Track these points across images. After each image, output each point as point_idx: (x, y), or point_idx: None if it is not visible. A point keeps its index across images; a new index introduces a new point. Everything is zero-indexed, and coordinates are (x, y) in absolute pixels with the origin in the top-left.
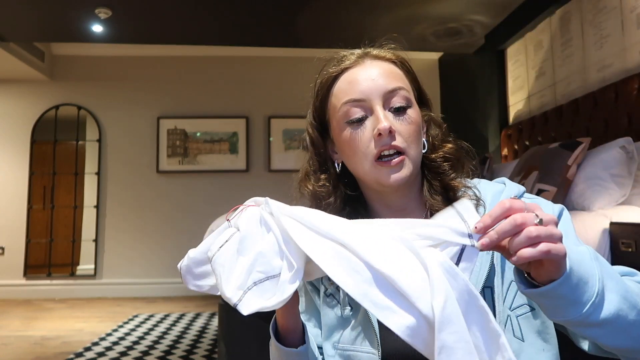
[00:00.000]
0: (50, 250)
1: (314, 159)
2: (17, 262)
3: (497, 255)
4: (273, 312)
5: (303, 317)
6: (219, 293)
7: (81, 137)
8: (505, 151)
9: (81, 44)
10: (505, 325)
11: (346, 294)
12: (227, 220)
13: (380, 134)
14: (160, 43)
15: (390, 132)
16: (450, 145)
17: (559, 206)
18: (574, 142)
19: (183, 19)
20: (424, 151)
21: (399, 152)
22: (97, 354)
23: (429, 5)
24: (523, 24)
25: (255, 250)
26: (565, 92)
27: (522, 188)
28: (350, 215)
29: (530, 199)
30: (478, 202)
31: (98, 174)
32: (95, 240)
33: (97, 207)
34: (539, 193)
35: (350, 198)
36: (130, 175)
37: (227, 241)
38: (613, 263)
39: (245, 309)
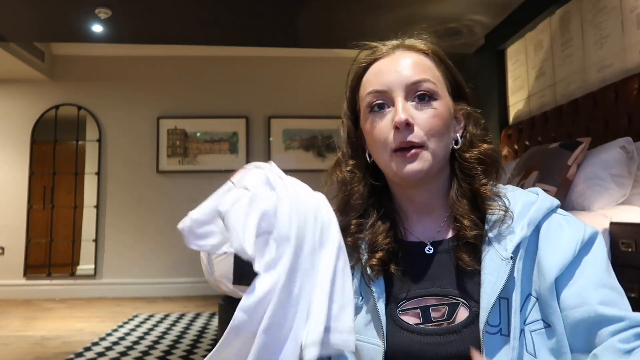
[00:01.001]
0: (50, 250)
1: (346, 147)
2: (17, 262)
3: (518, 266)
4: None
5: None
6: (220, 251)
7: (81, 137)
8: (505, 151)
9: (81, 44)
10: (518, 340)
11: (358, 283)
12: (231, 181)
13: (397, 127)
14: (160, 43)
15: (409, 125)
16: (486, 146)
17: (591, 230)
18: (574, 142)
19: (183, 19)
20: (456, 147)
21: (417, 145)
22: (97, 354)
23: (429, 5)
24: (523, 24)
25: (261, 209)
26: (565, 92)
27: (555, 202)
28: (375, 206)
29: (564, 215)
30: (506, 213)
31: (98, 174)
32: (95, 240)
33: (97, 207)
34: None
35: (376, 188)
36: (130, 175)
37: (239, 200)
38: (613, 263)
39: (257, 265)
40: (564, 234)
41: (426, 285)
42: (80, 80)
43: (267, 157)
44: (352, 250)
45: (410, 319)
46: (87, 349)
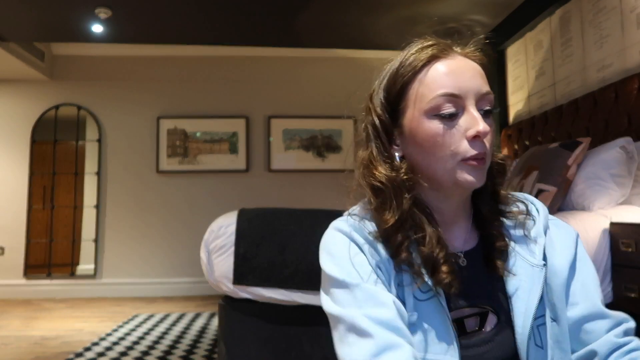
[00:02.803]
0: (50, 250)
1: (381, 143)
2: (17, 262)
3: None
4: (272, 311)
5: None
6: None
7: (81, 137)
8: (505, 151)
9: (81, 44)
10: (528, 336)
11: (412, 300)
12: None
13: (477, 136)
14: (160, 43)
15: (486, 136)
16: (501, 156)
17: (574, 230)
18: (574, 142)
19: (183, 19)
20: None
21: (483, 157)
22: (97, 354)
23: (429, 5)
24: (523, 24)
25: None
26: (565, 92)
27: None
28: (418, 205)
29: (552, 219)
30: (526, 217)
31: (98, 174)
32: (95, 240)
33: (97, 207)
34: (539, 193)
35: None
36: (130, 175)
37: None
38: (613, 263)
39: None
40: (560, 234)
41: (460, 297)
42: (80, 80)
43: (267, 157)
44: (406, 266)
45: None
46: (87, 349)
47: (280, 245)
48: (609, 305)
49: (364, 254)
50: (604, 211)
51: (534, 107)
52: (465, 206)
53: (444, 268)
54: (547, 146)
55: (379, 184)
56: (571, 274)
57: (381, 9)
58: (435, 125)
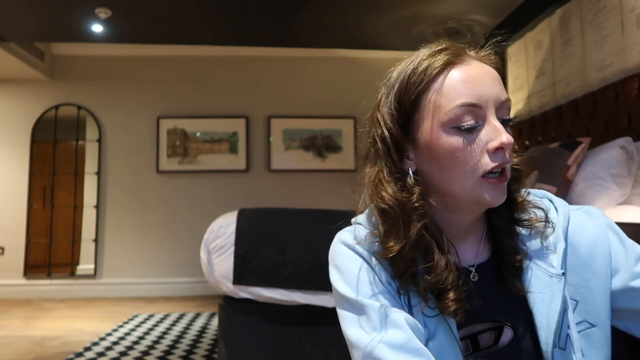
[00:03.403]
0: (50, 250)
1: (393, 159)
2: (17, 262)
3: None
4: (272, 311)
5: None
6: None
7: (81, 137)
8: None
9: (81, 44)
10: (565, 345)
11: (422, 317)
12: None
13: (501, 148)
14: (160, 43)
15: (509, 147)
16: (516, 161)
17: (599, 212)
18: (574, 142)
19: (183, 19)
20: None
21: (504, 171)
22: (97, 354)
23: (429, 5)
24: (523, 24)
25: None
26: (565, 92)
27: (566, 202)
28: (427, 228)
29: (576, 210)
30: (545, 224)
31: (98, 174)
32: (95, 240)
33: (97, 207)
34: None
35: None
36: (130, 175)
37: None
38: None
39: None
40: (589, 227)
41: (473, 313)
42: (80, 80)
43: (267, 157)
44: (412, 287)
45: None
46: (87, 349)
47: (280, 245)
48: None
49: (373, 270)
50: (604, 211)
51: (534, 107)
52: (479, 219)
53: (451, 295)
54: (547, 146)
55: (387, 208)
56: (608, 270)
57: (381, 9)
58: (455, 140)
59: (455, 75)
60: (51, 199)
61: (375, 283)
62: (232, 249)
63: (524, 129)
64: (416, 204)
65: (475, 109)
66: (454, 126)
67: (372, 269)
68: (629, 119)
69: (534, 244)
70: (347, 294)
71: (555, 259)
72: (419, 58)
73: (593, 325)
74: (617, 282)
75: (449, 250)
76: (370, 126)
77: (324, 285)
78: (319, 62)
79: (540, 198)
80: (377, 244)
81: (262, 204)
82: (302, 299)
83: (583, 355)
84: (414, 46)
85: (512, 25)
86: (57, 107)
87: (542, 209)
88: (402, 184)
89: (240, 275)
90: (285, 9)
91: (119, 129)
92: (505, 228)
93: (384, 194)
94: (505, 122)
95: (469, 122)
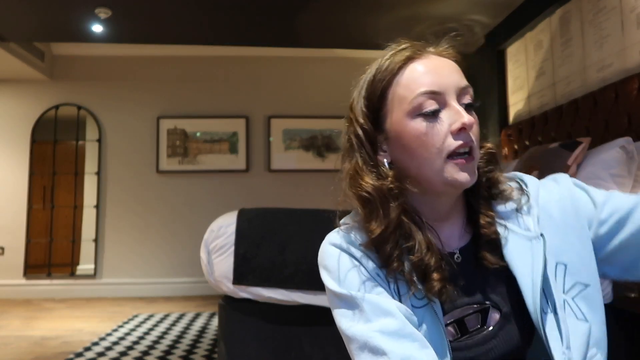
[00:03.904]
0: (50, 250)
1: (366, 152)
2: (17, 262)
3: (547, 246)
4: (272, 311)
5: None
6: None
7: (81, 137)
8: (505, 151)
9: (81, 44)
10: (565, 311)
11: (411, 309)
12: None
13: (463, 128)
14: (160, 43)
15: (471, 128)
16: (489, 145)
17: (555, 176)
18: (574, 142)
19: (183, 19)
20: None
21: (470, 151)
22: (97, 354)
23: (429, 5)
24: (523, 24)
25: None
26: (565, 92)
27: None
28: (406, 212)
29: (543, 186)
30: (521, 192)
31: (98, 174)
32: (95, 240)
33: (97, 207)
34: None
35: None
36: (130, 175)
37: None
38: None
39: None
40: (557, 191)
41: (457, 297)
42: (80, 80)
43: (267, 157)
44: (400, 275)
45: (448, 336)
46: (87, 349)
47: (280, 245)
48: (609, 306)
49: (360, 265)
50: None
51: (534, 107)
52: (458, 202)
53: (435, 275)
54: (547, 146)
55: (365, 194)
56: (584, 225)
57: (381, 9)
58: (419, 124)
59: (415, 68)
60: (51, 199)
61: (363, 275)
62: (232, 249)
63: (524, 129)
64: (390, 186)
65: (435, 96)
66: (418, 113)
67: (359, 261)
68: (629, 119)
69: (510, 215)
70: (336, 290)
71: (531, 223)
72: (383, 58)
73: (586, 285)
74: (591, 234)
75: (430, 232)
76: (346, 126)
77: (324, 285)
78: (319, 62)
79: (510, 178)
80: (361, 234)
81: (262, 204)
82: (302, 299)
83: (586, 319)
84: None
85: (512, 25)
86: (57, 107)
87: (515, 180)
88: (377, 173)
89: (240, 275)
90: (285, 9)
91: (119, 129)
92: (483, 208)
93: (361, 181)
94: (468, 107)
95: (430, 107)
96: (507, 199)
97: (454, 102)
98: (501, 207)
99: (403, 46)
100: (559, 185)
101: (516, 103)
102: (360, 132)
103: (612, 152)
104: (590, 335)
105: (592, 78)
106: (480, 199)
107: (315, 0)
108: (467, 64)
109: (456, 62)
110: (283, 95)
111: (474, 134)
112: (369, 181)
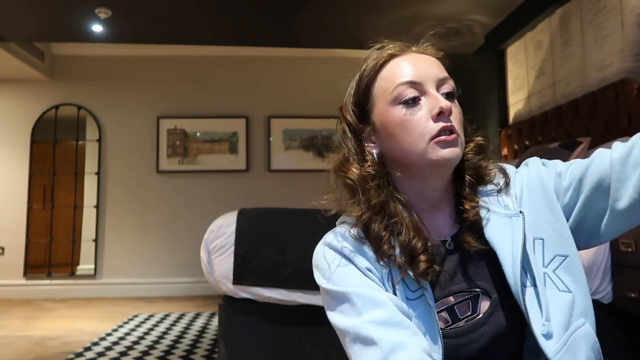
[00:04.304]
0: (50, 250)
1: (352, 144)
2: (17, 262)
3: (526, 223)
4: (272, 311)
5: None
6: None
7: (81, 137)
8: (505, 151)
9: (81, 44)
10: (545, 284)
11: (401, 292)
12: None
13: (441, 112)
14: (160, 43)
15: (450, 112)
16: (479, 139)
17: (524, 162)
18: (574, 142)
19: (183, 19)
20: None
21: (453, 132)
22: (97, 354)
23: (429, 5)
24: (523, 24)
25: None
26: (565, 92)
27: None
28: (392, 197)
29: (518, 171)
30: (505, 176)
31: (98, 174)
32: (95, 240)
33: (97, 207)
34: None
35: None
36: (130, 175)
37: None
38: (613, 263)
39: None
40: (528, 171)
41: (447, 285)
42: (80, 80)
43: (267, 157)
44: (392, 262)
45: (440, 324)
46: (87, 349)
47: (280, 245)
48: (609, 306)
49: (350, 262)
50: None
51: (534, 107)
52: (447, 191)
53: (422, 257)
54: (547, 146)
55: (349, 181)
56: (553, 197)
57: (381, 9)
58: (402, 112)
59: (396, 62)
60: (51, 199)
61: (353, 271)
62: (232, 249)
63: (524, 129)
64: (370, 170)
65: (415, 85)
66: (399, 102)
67: (349, 258)
68: (629, 119)
69: (491, 196)
70: (327, 287)
71: (510, 202)
72: (368, 58)
73: (565, 256)
74: (560, 203)
75: (420, 217)
76: (337, 123)
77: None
78: (319, 62)
79: (494, 166)
80: (353, 229)
81: (262, 204)
82: (302, 299)
83: (569, 290)
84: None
85: (512, 25)
86: (57, 107)
87: (500, 167)
88: (363, 162)
89: (240, 275)
90: (285, 9)
91: (119, 129)
92: (469, 195)
93: (347, 170)
94: (448, 96)
95: (410, 94)
96: (489, 182)
97: (432, 91)
98: (484, 190)
99: (386, 46)
100: (529, 167)
101: (516, 103)
102: (345, 126)
103: None
104: (574, 305)
105: (592, 78)
106: (466, 186)
107: (315, 0)
108: (466, 64)
109: (438, 59)
110: (283, 95)
111: (455, 119)
112: (354, 170)
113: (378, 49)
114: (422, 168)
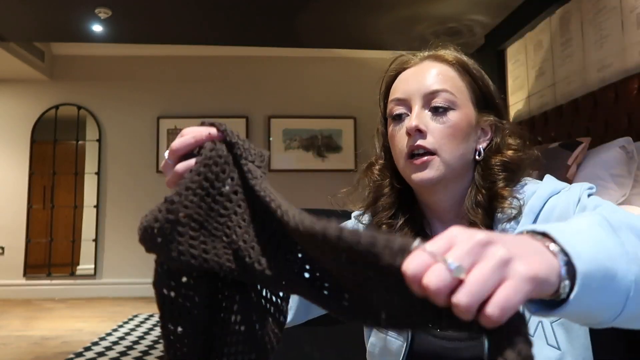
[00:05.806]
0: (50, 250)
1: (380, 150)
2: (17, 262)
3: None
4: None
5: None
6: None
7: (81, 137)
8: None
9: (81, 44)
10: (535, 333)
11: None
12: None
13: (408, 133)
14: (160, 43)
15: (420, 132)
16: (511, 153)
17: (580, 188)
18: (574, 142)
19: (183, 19)
20: (478, 158)
21: (429, 152)
22: (97, 354)
23: (429, 5)
24: (523, 24)
25: None
26: (565, 92)
27: (560, 185)
28: (402, 209)
29: (566, 191)
30: (519, 213)
31: (98, 174)
32: (95, 240)
33: (97, 207)
34: None
35: (405, 193)
36: (130, 175)
37: None
38: None
39: None
40: (563, 197)
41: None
42: (80, 80)
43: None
44: None
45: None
46: (87, 348)
47: None
48: None
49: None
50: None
51: (534, 107)
52: (459, 205)
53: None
54: (547, 146)
55: (369, 185)
56: None
57: (381, 9)
58: (392, 128)
59: (399, 78)
60: (51, 199)
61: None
62: None
63: (524, 129)
64: (377, 172)
65: (402, 102)
66: (390, 117)
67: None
68: (629, 119)
69: (500, 226)
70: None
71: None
72: (387, 71)
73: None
74: None
75: (426, 229)
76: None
77: None
78: (319, 62)
79: (517, 190)
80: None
81: None
82: None
83: (558, 347)
84: (414, 46)
85: (512, 25)
86: (57, 107)
87: (517, 196)
88: (385, 163)
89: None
90: (285, 9)
91: (119, 129)
92: (481, 219)
93: (369, 173)
94: (438, 110)
95: (397, 111)
96: (502, 212)
97: (416, 107)
98: (499, 216)
99: (406, 57)
100: (567, 194)
101: (516, 103)
102: (376, 135)
103: (612, 152)
104: None
105: (592, 78)
106: (481, 209)
107: (315, 0)
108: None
109: (455, 65)
110: (283, 95)
111: (437, 135)
112: (374, 172)
113: (390, 63)
114: (408, 183)
